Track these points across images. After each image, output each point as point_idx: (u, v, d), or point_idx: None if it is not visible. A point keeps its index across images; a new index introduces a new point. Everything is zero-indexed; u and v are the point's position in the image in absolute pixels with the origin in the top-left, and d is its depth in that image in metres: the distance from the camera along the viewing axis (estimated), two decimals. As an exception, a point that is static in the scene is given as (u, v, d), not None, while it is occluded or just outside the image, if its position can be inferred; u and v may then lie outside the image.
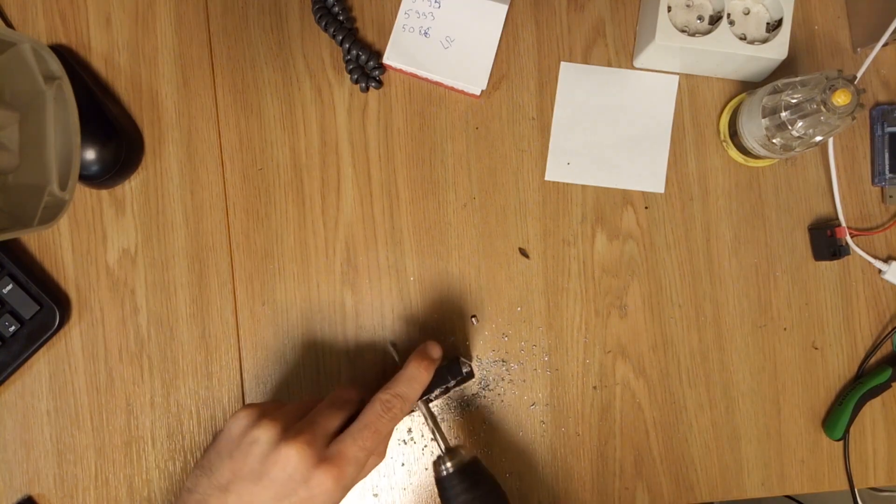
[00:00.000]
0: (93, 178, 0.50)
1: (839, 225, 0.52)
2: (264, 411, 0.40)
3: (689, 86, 0.54)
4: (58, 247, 0.52)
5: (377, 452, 0.44)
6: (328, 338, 0.52)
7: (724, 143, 0.54)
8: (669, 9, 0.50)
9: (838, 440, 0.52)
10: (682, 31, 0.50)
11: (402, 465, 0.51)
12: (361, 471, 0.41)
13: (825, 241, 0.52)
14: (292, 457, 0.37)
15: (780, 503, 0.74)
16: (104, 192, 0.52)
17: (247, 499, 0.37)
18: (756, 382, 0.53)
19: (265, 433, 0.38)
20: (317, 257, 0.52)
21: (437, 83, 0.53)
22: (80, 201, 0.52)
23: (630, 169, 0.53)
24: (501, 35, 0.53)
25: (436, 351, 0.46)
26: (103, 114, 0.50)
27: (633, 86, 0.54)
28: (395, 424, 0.43)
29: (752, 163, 0.53)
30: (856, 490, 0.52)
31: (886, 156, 0.53)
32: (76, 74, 0.50)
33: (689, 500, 0.52)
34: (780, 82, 0.47)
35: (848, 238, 0.52)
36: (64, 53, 0.52)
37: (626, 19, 0.54)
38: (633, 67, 0.54)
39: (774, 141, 0.48)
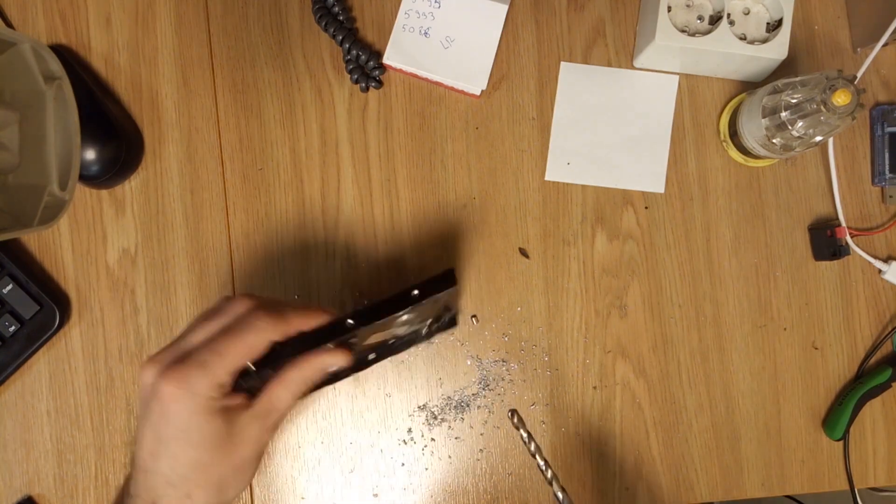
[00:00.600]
0: (93, 178, 0.50)
1: (839, 225, 0.52)
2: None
3: (689, 86, 0.54)
4: (58, 247, 0.52)
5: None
6: (328, 338, 0.52)
7: (724, 143, 0.54)
8: (669, 9, 0.50)
9: (838, 440, 0.52)
10: (682, 31, 0.50)
11: (403, 465, 0.51)
12: (210, 373, 0.36)
13: (825, 241, 0.52)
14: (146, 377, 0.36)
15: (780, 503, 0.74)
16: (104, 192, 0.52)
17: (140, 440, 0.36)
18: (756, 382, 0.53)
19: (145, 373, 0.36)
20: (317, 257, 0.52)
21: (437, 83, 0.53)
22: (80, 201, 0.52)
23: (630, 169, 0.53)
24: (501, 35, 0.53)
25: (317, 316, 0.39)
26: (103, 114, 0.49)
27: (633, 86, 0.54)
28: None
29: (752, 163, 0.53)
30: (856, 490, 0.52)
31: (886, 156, 0.53)
32: (76, 74, 0.50)
33: (689, 500, 0.52)
34: (780, 82, 0.47)
35: (848, 238, 0.52)
36: (64, 53, 0.52)
37: (626, 19, 0.54)
38: (633, 67, 0.54)
39: (774, 141, 0.48)
